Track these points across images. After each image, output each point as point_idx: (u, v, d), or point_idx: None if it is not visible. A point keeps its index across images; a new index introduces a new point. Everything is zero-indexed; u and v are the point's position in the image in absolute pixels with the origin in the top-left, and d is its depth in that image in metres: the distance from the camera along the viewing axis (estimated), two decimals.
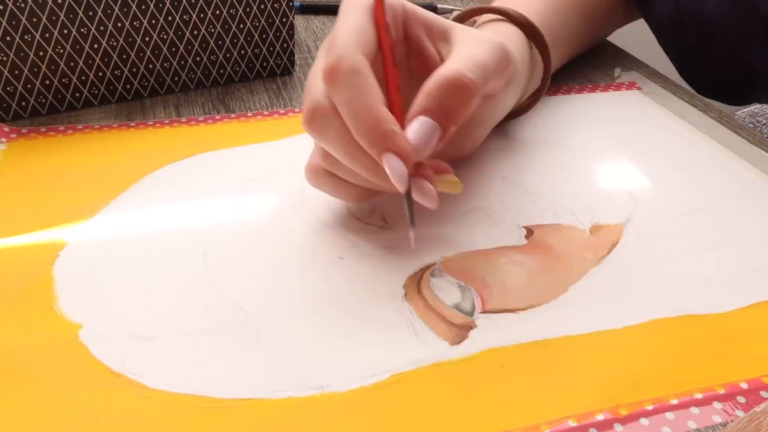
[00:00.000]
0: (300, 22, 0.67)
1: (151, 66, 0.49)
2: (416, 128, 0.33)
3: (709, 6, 0.53)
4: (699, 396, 0.29)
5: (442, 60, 0.36)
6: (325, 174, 0.36)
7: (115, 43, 0.46)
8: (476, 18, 0.48)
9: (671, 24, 0.56)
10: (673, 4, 0.55)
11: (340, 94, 0.31)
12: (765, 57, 0.52)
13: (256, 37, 0.51)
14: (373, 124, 0.31)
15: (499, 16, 0.45)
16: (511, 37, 0.44)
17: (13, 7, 0.42)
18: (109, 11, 0.45)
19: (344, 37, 0.33)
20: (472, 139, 0.41)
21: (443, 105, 0.33)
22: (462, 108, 0.33)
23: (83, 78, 0.47)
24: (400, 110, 0.34)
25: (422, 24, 0.37)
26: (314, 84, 0.33)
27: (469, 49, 0.35)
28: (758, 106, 0.86)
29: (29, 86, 0.45)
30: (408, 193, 0.33)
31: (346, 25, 0.33)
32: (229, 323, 0.31)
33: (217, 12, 0.49)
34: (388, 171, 0.31)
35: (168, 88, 0.50)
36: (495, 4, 0.47)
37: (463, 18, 0.47)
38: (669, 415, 0.28)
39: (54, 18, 0.44)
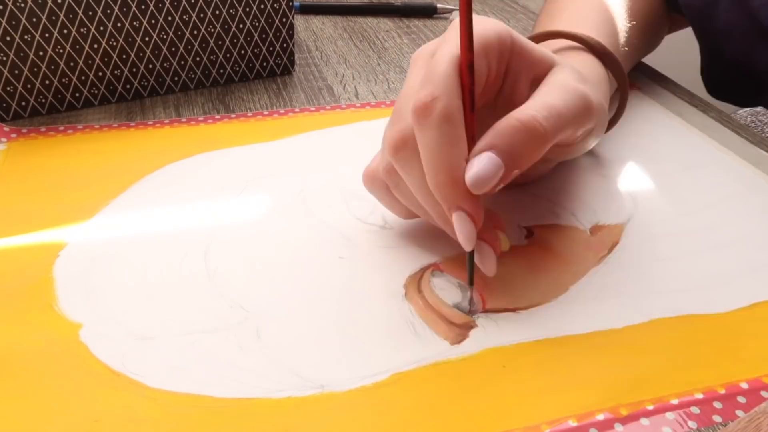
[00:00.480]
0: (300, 22, 0.67)
1: (150, 66, 0.49)
2: (481, 163, 0.30)
3: (717, 11, 0.52)
4: (699, 396, 0.29)
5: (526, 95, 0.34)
6: (382, 186, 0.35)
7: (114, 43, 0.46)
8: (548, 42, 0.43)
9: (700, 18, 0.55)
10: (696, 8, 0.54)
11: (425, 138, 0.30)
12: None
13: (256, 37, 0.51)
14: (449, 181, 0.30)
15: (575, 43, 0.42)
16: (592, 70, 0.40)
17: (12, 7, 0.42)
18: (108, 11, 0.45)
19: (443, 73, 0.30)
20: (538, 171, 0.40)
21: (511, 146, 0.30)
22: (529, 154, 0.31)
23: (83, 78, 0.47)
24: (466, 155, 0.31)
25: (528, 62, 0.34)
26: (406, 110, 0.31)
27: (549, 96, 0.32)
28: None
29: (29, 86, 0.45)
30: (471, 254, 0.32)
31: (449, 57, 0.31)
32: (229, 323, 0.31)
33: (217, 12, 0.49)
34: (456, 229, 0.31)
35: (168, 88, 0.50)
36: (564, 28, 0.43)
37: (534, 41, 0.42)
38: (669, 415, 0.28)
39: (54, 18, 0.44)
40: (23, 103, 0.46)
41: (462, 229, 0.31)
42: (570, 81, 0.34)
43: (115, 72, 0.48)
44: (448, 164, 0.30)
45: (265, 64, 0.53)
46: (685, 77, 0.61)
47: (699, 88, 0.58)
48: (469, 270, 0.32)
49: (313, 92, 0.52)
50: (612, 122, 0.44)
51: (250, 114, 0.48)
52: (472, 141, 0.31)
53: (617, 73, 0.43)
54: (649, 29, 0.54)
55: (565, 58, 0.38)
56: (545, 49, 0.35)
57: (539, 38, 0.44)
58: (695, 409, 0.29)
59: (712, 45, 0.55)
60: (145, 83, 0.49)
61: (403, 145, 0.31)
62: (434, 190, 0.31)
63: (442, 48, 0.32)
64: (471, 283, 0.33)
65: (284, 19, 0.52)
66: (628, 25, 0.49)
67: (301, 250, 0.36)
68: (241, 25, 0.50)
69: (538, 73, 0.34)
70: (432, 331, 0.31)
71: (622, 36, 0.48)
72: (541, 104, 0.32)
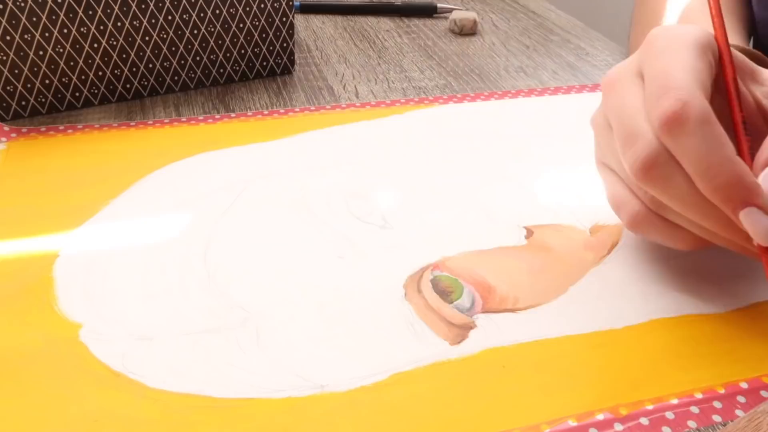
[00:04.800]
0: (300, 21, 0.67)
1: (150, 65, 0.49)
2: None
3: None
4: (699, 395, 0.29)
5: (757, 102, 0.33)
6: (652, 219, 0.32)
7: (114, 43, 0.46)
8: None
9: None
10: None
11: (686, 146, 0.28)
12: None
13: (256, 36, 0.51)
14: (730, 179, 0.28)
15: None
16: None
17: (12, 7, 0.42)
18: (108, 11, 0.45)
19: (682, 78, 0.29)
20: None
21: None
22: None
23: (83, 77, 0.47)
24: (748, 157, 0.30)
25: (736, 65, 0.33)
26: (639, 126, 0.30)
27: None
28: None
29: (29, 86, 0.45)
30: None
31: (678, 63, 0.30)
32: (229, 323, 0.31)
33: (217, 11, 0.49)
34: (750, 227, 0.29)
35: (168, 87, 0.50)
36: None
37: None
38: (669, 415, 0.28)
39: (54, 17, 0.44)
40: (23, 103, 0.46)
41: (757, 224, 0.28)
42: None
43: (115, 71, 0.48)
44: (721, 165, 0.28)
45: (265, 63, 0.53)
46: None
47: None
48: None
49: (313, 92, 0.52)
50: None
51: (250, 114, 0.48)
52: (745, 136, 0.30)
53: None
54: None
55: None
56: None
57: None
58: (695, 409, 0.29)
59: None
60: (145, 83, 0.49)
61: (653, 165, 0.29)
62: (712, 195, 0.29)
63: (662, 58, 0.31)
64: None
65: (284, 19, 0.52)
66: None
67: (301, 250, 0.36)
68: (241, 25, 0.50)
69: (743, 73, 0.33)
70: (432, 332, 0.31)
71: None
72: None
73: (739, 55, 0.33)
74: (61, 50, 0.45)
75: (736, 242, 0.30)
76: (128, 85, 0.49)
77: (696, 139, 0.28)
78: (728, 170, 0.28)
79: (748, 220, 0.29)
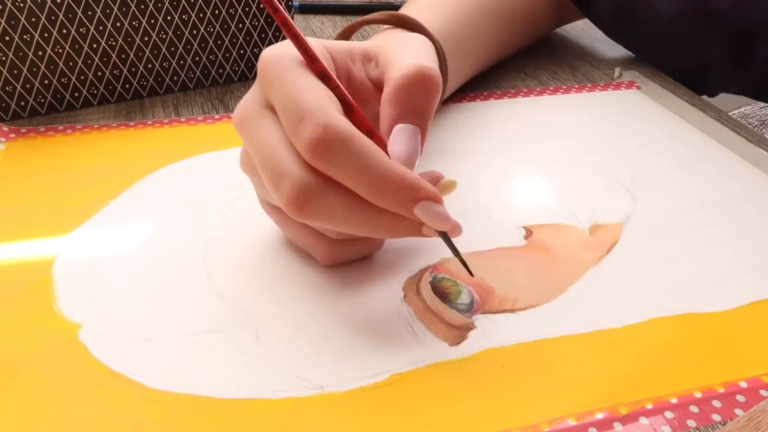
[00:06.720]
0: (299, 21, 0.67)
1: (150, 66, 0.49)
2: (401, 139, 0.30)
3: (658, 2, 0.54)
4: (698, 395, 0.29)
5: (372, 81, 0.34)
6: (338, 249, 0.34)
7: (114, 43, 0.46)
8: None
9: (614, 23, 0.58)
10: (612, 4, 0.56)
11: (343, 166, 0.28)
12: (717, 51, 0.54)
13: (255, 36, 0.51)
14: (396, 184, 0.28)
15: (394, 27, 0.41)
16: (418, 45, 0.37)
17: (12, 7, 0.42)
18: (108, 11, 0.45)
19: (311, 101, 0.28)
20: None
21: (414, 105, 0.31)
22: (431, 102, 0.31)
23: (82, 78, 0.47)
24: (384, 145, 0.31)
25: (346, 53, 0.33)
26: (283, 161, 0.29)
27: (408, 51, 0.33)
28: (749, 107, 0.86)
29: (28, 86, 0.45)
30: (446, 234, 0.30)
31: (301, 86, 0.29)
32: (228, 324, 0.31)
33: (216, 12, 0.49)
34: (427, 219, 0.29)
35: (167, 87, 0.50)
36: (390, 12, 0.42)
37: (353, 30, 0.43)
38: (668, 414, 0.28)
39: (53, 18, 0.44)
40: (22, 103, 0.46)
41: (433, 213, 0.29)
42: (406, 40, 0.36)
43: (114, 72, 0.48)
44: (382, 174, 0.28)
45: None
46: None
47: None
48: (453, 248, 0.31)
49: None
50: None
51: None
52: (373, 135, 0.31)
53: (439, 58, 0.41)
54: (517, 21, 0.56)
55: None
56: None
57: (354, 28, 0.43)
58: (694, 408, 0.29)
59: (650, 37, 0.58)
60: (144, 83, 0.49)
61: (306, 197, 0.28)
62: (384, 203, 0.29)
63: (283, 86, 0.29)
64: (462, 261, 0.31)
65: None
66: (479, 17, 0.50)
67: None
68: (240, 25, 0.50)
69: (358, 57, 0.34)
70: (431, 333, 0.31)
71: (465, 29, 0.48)
72: (411, 56, 0.32)
73: (339, 45, 0.33)
74: (60, 50, 0.45)
75: (406, 233, 0.30)
76: (127, 86, 0.49)
77: (349, 157, 0.28)
78: (391, 176, 0.28)
79: (424, 213, 0.29)
